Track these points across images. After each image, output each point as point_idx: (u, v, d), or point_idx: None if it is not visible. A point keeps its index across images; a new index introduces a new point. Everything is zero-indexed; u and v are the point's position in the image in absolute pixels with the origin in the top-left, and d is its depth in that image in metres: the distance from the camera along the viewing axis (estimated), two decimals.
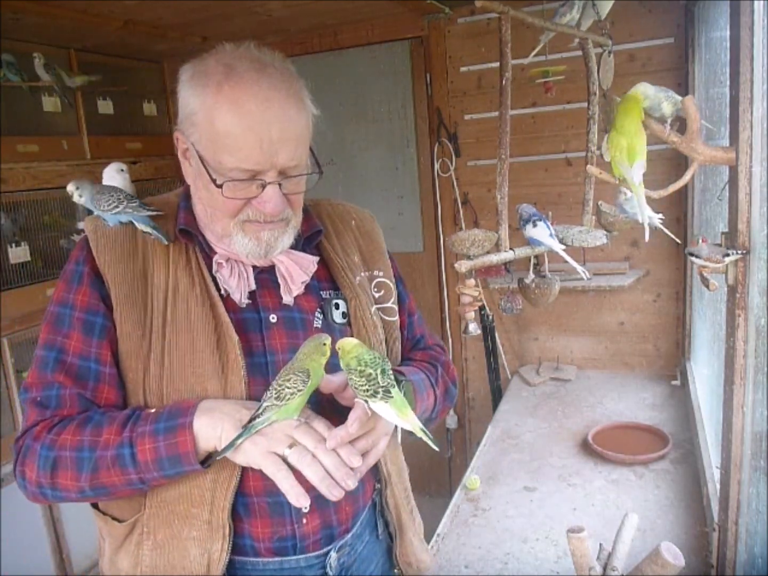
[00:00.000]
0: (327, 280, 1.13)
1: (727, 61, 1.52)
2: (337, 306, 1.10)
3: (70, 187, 1.10)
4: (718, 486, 1.37)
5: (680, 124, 1.16)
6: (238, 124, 0.92)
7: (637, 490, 1.87)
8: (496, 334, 3.00)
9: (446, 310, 3.18)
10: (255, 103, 0.92)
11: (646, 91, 1.17)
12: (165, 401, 0.99)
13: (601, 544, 1.20)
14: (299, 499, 0.87)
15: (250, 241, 1.01)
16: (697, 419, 2.11)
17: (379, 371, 0.90)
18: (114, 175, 1.23)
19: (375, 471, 1.11)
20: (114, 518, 1.05)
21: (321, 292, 1.12)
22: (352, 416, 0.90)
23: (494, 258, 1.41)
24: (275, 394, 0.89)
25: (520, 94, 2.65)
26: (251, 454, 0.91)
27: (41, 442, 0.95)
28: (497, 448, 2.23)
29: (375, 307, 1.15)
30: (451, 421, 3.23)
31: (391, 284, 1.20)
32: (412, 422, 0.91)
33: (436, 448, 0.91)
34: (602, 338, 2.90)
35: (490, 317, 2.91)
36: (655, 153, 2.38)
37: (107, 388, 1.00)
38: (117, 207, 1.04)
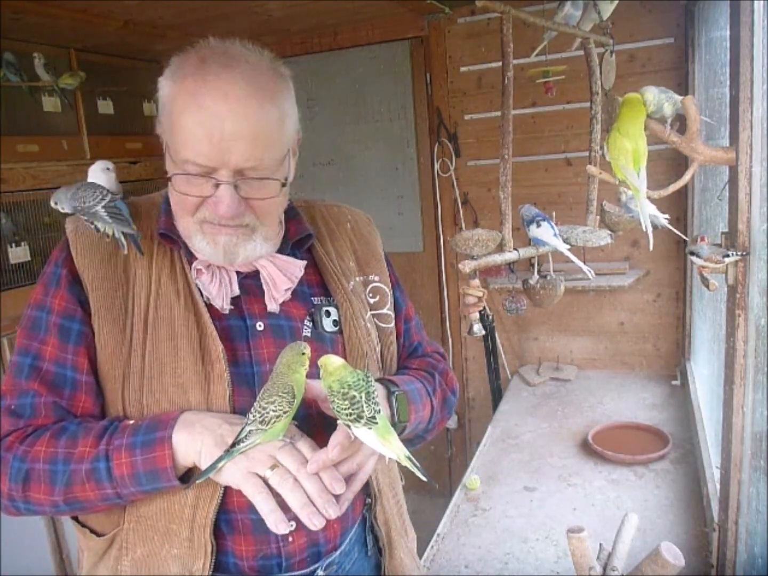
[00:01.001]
0: (319, 285, 1.09)
1: (727, 61, 1.52)
2: (327, 313, 1.05)
3: (52, 203, 1.08)
4: (718, 486, 1.37)
5: (680, 124, 1.16)
6: (191, 116, 0.89)
7: (637, 490, 1.87)
8: (496, 334, 3.00)
9: (446, 310, 3.18)
10: (211, 97, 0.88)
11: (649, 96, 1.16)
12: (145, 411, 0.94)
13: (601, 544, 1.20)
14: (278, 525, 0.83)
15: (208, 244, 0.96)
16: (697, 419, 2.11)
17: (363, 394, 0.85)
18: (99, 174, 1.22)
19: (365, 486, 1.05)
20: (93, 531, 1.01)
21: (312, 299, 1.07)
22: (333, 441, 0.86)
23: (498, 258, 1.41)
24: (259, 417, 0.84)
25: (520, 94, 2.65)
26: (231, 474, 0.87)
27: (13, 453, 0.91)
28: (497, 448, 2.23)
29: (370, 313, 1.11)
30: (451, 421, 3.23)
31: (387, 290, 1.16)
32: (396, 450, 0.86)
33: (424, 479, 0.87)
34: (602, 338, 2.91)
35: (490, 317, 2.91)
36: (655, 153, 2.38)
37: (84, 396, 0.95)
38: (96, 205, 1.02)
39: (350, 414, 0.84)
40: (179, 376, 0.95)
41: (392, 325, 1.16)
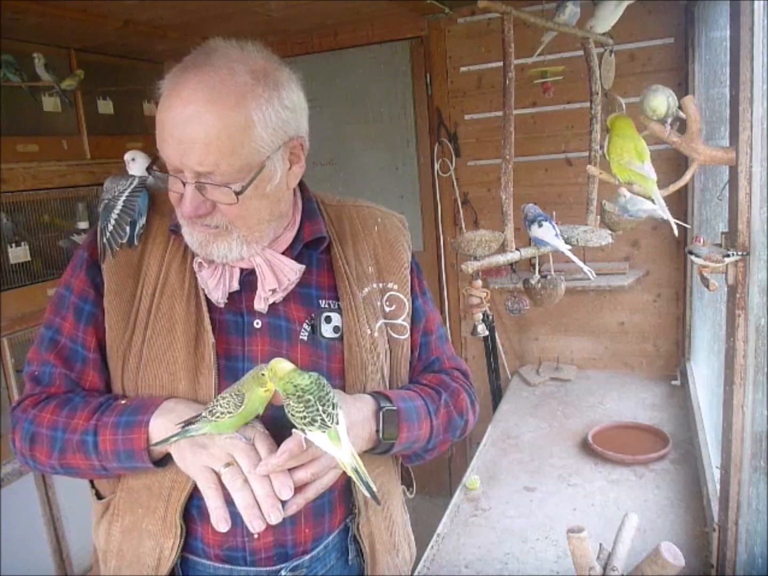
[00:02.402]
0: (331, 289, 1.07)
1: (727, 61, 1.52)
2: (329, 319, 1.05)
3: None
4: (718, 486, 1.37)
5: (680, 124, 1.16)
6: (162, 119, 0.92)
7: (637, 490, 1.87)
8: (496, 334, 3.00)
9: (446, 310, 3.18)
10: (177, 101, 0.90)
11: (658, 101, 1.14)
12: (139, 394, 1.00)
13: (601, 544, 1.20)
14: (219, 524, 0.86)
15: (189, 237, 1.00)
16: (697, 419, 2.11)
17: (317, 398, 0.85)
18: (129, 165, 1.22)
19: (349, 496, 1.07)
20: (96, 494, 1.09)
21: (319, 301, 1.06)
22: (283, 447, 0.87)
23: (501, 259, 1.41)
24: (210, 407, 0.88)
25: (521, 94, 2.62)
26: (189, 464, 0.91)
27: (26, 415, 1.00)
28: (497, 448, 2.23)
29: (383, 321, 1.10)
30: None
31: (405, 299, 1.14)
32: (347, 457, 0.86)
33: (367, 494, 0.87)
34: (602, 338, 2.90)
35: (491, 317, 2.91)
36: (655, 153, 2.37)
37: (91, 372, 1.03)
38: (120, 196, 1.06)
39: (304, 417, 0.84)
40: (171, 364, 0.99)
41: (406, 336, 1.13)
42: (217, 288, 1.01)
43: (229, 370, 0.99)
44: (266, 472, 0.86)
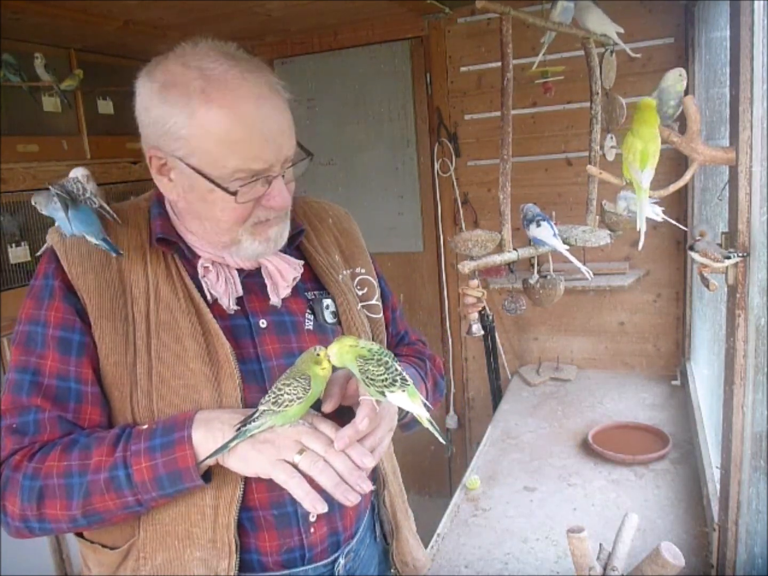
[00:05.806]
0: (311, 280, 1.11)
1: (727, 61, 1.52)
2: (327, 306, 1.09)
3: (32, 202, 1.05)
4: (718, 486, 1.37)
5: (680, 124, 1.16)
6: (242, 127, 0.89)
7: (637, 490, 1.87)
8: (496, 334, 3.00)
9: (446, 310, 3.18)
10: (250, 103, 0.89)
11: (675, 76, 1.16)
12: (156, 416, 0.94)
13: (601, 544, 1.20)
14: (316, 506, 0.84)
15: (260, 243, 0.97)
16: (697, 419, 2.11)
17: (390, 359, 0.88)
18: (83, 182, 1.20)
19: (373, 471, 1.09)
20: (104, 546, 0.99)
21: (306, 293, 1.09)
22: (361, 413, 0.88)
23: (497, 258, 1.41)
24: (273, 398, 0.86)
25: (520, 94, 2.65)
26: (259, 464, 0.87)
27: (23, 472, 0.89)
28: (497, 448, 2.23)
29: (360, 305, 1.14)
30: (451, 421, 3.23)
31: (374, 281, 1.19)
32: (423, 410, 0.90)
33: (443, 441, 0.90)
34: (602, 338, 2.90)
35: (490, 317, 2.91)
36: None
37: (90, 408, 0.94)
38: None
39: (386, 379, 0.86)
40: (188, 378, 0.95)
41: (381, 315, 1.19)
42: (226, 293, 1.00)
43: (248, 374, 0.98)
44: (345, 446, 0.86)
